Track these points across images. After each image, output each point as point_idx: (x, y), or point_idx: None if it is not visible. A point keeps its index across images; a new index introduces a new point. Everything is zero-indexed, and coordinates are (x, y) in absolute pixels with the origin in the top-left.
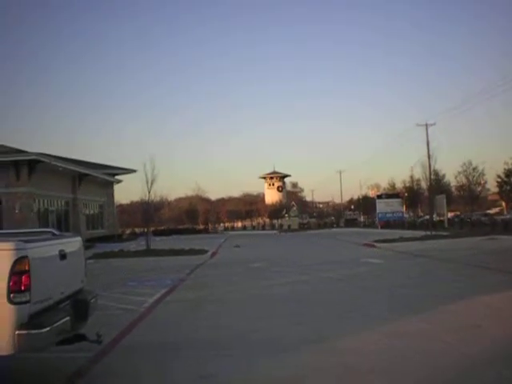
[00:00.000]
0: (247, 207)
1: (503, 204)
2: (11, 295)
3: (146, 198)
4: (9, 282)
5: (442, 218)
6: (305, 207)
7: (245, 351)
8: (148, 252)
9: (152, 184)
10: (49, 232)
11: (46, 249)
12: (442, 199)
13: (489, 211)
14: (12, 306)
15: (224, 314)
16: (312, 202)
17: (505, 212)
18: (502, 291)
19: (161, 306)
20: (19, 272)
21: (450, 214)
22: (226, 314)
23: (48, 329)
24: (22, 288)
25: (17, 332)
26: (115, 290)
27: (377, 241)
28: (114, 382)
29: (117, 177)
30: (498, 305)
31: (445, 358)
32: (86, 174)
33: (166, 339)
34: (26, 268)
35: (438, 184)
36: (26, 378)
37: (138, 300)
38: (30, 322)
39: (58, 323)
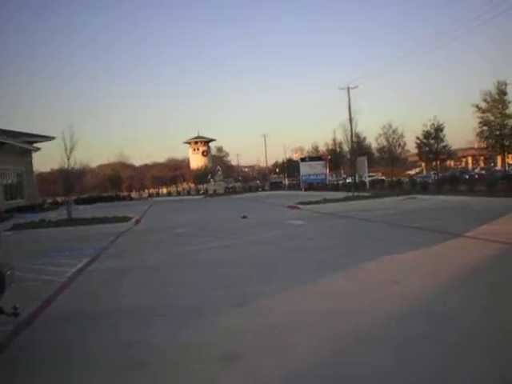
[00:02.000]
0: (172, 173)
1: (423, 165)
2: None
3: (66, 166)
4: None
5: (364, 179)
6: (230, 171)
7: (170, 317)
8: (70, 221)
9: (71, 151)
10: None
11: None
12: (363, 161)
13: (409, 172)
14: None
15: (148, 280)
16: (237, 167)
17: (424, 172)
18: (421, 248)
19: (83, 275)
20: None
21: (379, 175)
22: (150, 281)
23: None
24: None
25: None
26: (35, 261)
27: (301, 203)
28: (38, 353)
29: (35, 144)
30: (417, 262)
31: (365, 315)
32: (2, 143)
33: (90, 308)
34: None
35: (359, 146)
36: None
37: (59, 270)
38: None
39: None
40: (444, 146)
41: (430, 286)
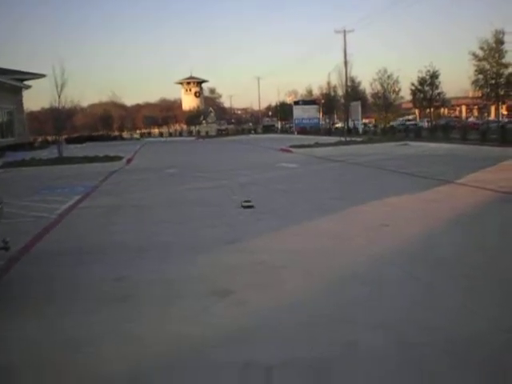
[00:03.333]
0: (164, 113)
1: (416, 112)
2: None
3: (57, 104)
4: None
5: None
6: (223, 113)
7: (160, 254)
8: (61, 160)
9: (62, 88)
10: None
11: None
12: (356, 106)
13: (401, 119)
14: None
15: (139, 218)
16: (230, 109)
17: (418, 119)
18: (412, 193)
19: (74, 212)
20: None
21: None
22: (141, 219)
23: None
24: None
25: None
26: (26, 198)
27: (293, 146)
28: (29, 287)
29: (26, 82)
30: (407, 206)
31: (355, 255)
32: None
33: (80, 244)
34: None
35: (353, 91)
36: None
37: (50, 207)
38: None
39: None
40: (439, 93)
41: (418, 228)
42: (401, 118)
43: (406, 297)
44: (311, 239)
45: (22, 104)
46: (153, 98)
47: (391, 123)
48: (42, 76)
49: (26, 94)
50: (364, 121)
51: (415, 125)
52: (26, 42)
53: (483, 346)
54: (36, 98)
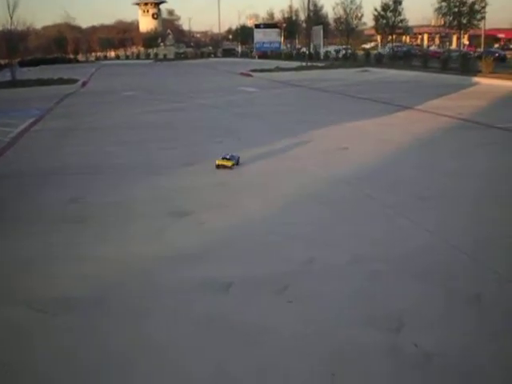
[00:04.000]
0: (120, 35)
1: (378, 39)
2: None
3: (9, 26)
4: None
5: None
6: (182, 36)
7: (116, 175)
8: (14, 83)
9: (14, 9)
10: None
11: None
12: (318, 30)
13: (364, 45)
14: None
15: (94, 140)
16: (189, 32)
17: (379, 47)
18: (371, 118)
19: (28, 135)
20: None
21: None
22: (96, 141)
23: None
24: None
25: None
26: None
27: (253, 70)
28: None
29: None
30: (366, 130)
31: (313, 177)
32: None
33: (35, 166)
34: None
35: (315, 15)
36: None
37: (2, 130)
38: None
39: None
40: (401, 20)
41: (376, 151)
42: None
43: (362, 215)
44: (271, 162)
45: None
46: (109, 19)
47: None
48: None
49: None
50: (327, 48)
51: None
52: None
53: (426, 256)
54: None
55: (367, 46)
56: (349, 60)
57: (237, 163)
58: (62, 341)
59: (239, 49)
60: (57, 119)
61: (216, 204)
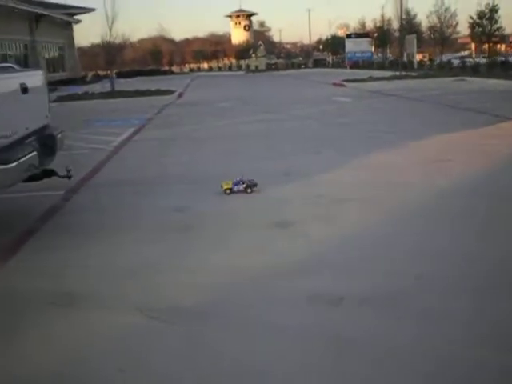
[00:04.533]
0: (213, 48)
1: (472, 47)
2: None
3: (108, 38)
4: None
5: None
6: (272, 47)
7: (215, 184)
8: (113, 94)
9: (113, 22)
10: (8, 67)
11: (5, 82)
12: (412, 39)
13: (457, 54)
14: None
15: (194, 150)
16: (279, 43)
17: (473, 55)
18: (472, 129)
19: (129, 144)
20: None
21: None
22: (197, 150)
23: (15, 164)
24: None
25: None
26: (82, 130)
27: (346, 80)
28: (90, 217)
29: (76, 17)
30: (468, 142)
31: (415, 189)
32: (44, 15)
33: (138, 176)
34: None
35: (408, 24)
36: None
37: (105, 139)
38: None
39: (26, 158)
40: (498, 28)
41: (481, 164)
42: (457, 54)
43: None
44: (371, 172)
45: (72, 39)
46: (202, 32)
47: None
48: (91, 10)
49: (75, 29)
50: (418, 56)
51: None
52: None
53: None
54: (85, 34)
55: (459, 54)
56: (443, 69)
57: (249, 188)
58: (181, 349)
59: (329, 59)
60: (156, 129)
61: (319, 215)
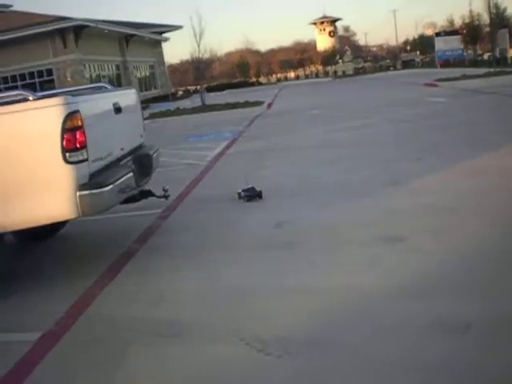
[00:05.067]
0: (299, 56)
1: None
2: (66, 154)
3: (196, 54)
4: (62, 141)
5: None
6: (358, 52)
7: (315, 196)
8: (204, 108)
9: (201, 37)
10: (101, 87)
11: (99, 102)
12: (504, 34)
13: None
14: (69, 166)
15: (290, 161)
16: (366, 46)
17: None
18: None
19: (224, 158)
20: (72, 128)
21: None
22: (292, 162)
23: (111, 187)
24: (78, 145)
25: (78, 193)
26: (175, 146)
27: (438, 80)
28: (187, 237)
29: (164, 35)
30: None
31: None
32: (133, 35)
33: (234, 190)
34: (79, 123)
35: (498, 18)
36: (96, 239)
37: (199, 154)
38: (91, 181)
39: (122, 180)
40: None
41: None
42: None
43: None
44: (482, 179)
45: (162, 56)
46: (286, 41)
47: None
48: (179, 27)
49: (164, 46)
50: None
51: None
52: None
53: None
54: (174, 51)
55: None
56: None
57: (259, 196)
58: None
59: (418, 59)
60: (249, 141)
61: (430, 228)
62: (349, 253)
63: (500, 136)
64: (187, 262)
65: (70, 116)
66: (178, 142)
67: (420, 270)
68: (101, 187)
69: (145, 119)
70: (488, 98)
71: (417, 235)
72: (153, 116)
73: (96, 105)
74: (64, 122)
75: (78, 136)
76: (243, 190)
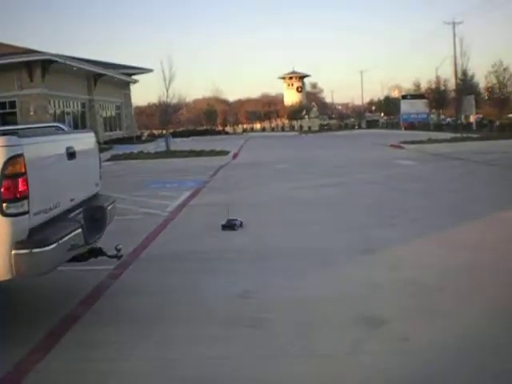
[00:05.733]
0: (266, 108)
1: None
2: (3, 205)
3: (164, 98)
4: None
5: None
6: (324, 108)
7: (284, 263)
8: (168, 153)
9: (170, 82)
10: (54, 127)
11: (48, 145)
12: (470, 100)
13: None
14: (5, 219)
15: (253, 221)
16: (332, 104)
17: None
18: None
19: (185, 210)
20: (12, 175)
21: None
22: (256, 222)
23: (54, 246)
24: (18, 195)
25: (14, 252)
26: (136, 192)
27: (404, 142)
28: (139, 302)
29: (133, 77)
30: None
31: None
32: (102, 74)
33: (195, 248)
34: (22, 169)
35: (466, 84)
36: (37, 296)
37: (160, 204)
38: (30, 238)
39: (68, 237)
40: None
41: None
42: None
43: None
44: (462, 253)
45: (130, 98)
46: (255, 93)
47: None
48: (149, 71)
49: (133, 88)
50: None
51: None
52: (132, 38)
53: None
54: (143, 93)
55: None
56: (505, 130)
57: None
58: None
59: (383, 120)
60: (213, 193)
61: (417, 310)
62: (325, 338)
63: (476, 205)
64: (138, 336)
65: (12, 160)
66: (139, 188)
67: (407, 366)
68: (41, 246)
69: (107, 161)
70: (457, 163)
71: (400, 319)
72: (115, 158)
73: (45, 148)
74: (4, 167)
75: (19, 184)
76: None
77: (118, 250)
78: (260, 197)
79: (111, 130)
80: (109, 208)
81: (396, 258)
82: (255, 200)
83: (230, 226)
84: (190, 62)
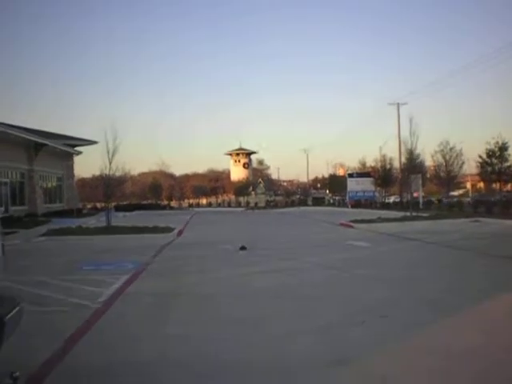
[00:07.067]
0: (212, 184)
1: (468, 186)
2: None
3: (107, 171)
4: None
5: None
6: (271, 185)
7: (236, 379)
8: (109, 229)
9: (113, 155)
10: None
11: None
12: (417, 179)
13: (453, 193)
14: None
15: (200, 316)
16: (278, 180)
17: (470, 194)
18: None
19: (119, 301)
20: None
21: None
22: (200, 319)
23: None
24: None
25: None
26: (67, 276)
27: (353, 221)
28: None
29: (77, 148)
30: None
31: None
32: (43, 144)
33: (125, 357)
34: None
35: (412, 163)
36: None
37: (92, 291)
38: None
39: None
40: (509, 166)
41: None
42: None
43: None
44: (452, 361)
45: (72, 169)
46: (201, 168)
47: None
48: (93, 142)
49: (76, 160)
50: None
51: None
52: (76, 108)
53: None
54: (87, 165)
55: (455, 193)
56: (453, 209)
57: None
58: None
59: (328, 197)
60: (154, 278)
61: None
62: None
63: (448, 296)
64: None
65: None
66: (70, 271)
67: None
68: None
69: (41, 235)
70: (413, 244)
71: None
72: (50, 233)
73: None
74: None
75: None
76: None
77: (15, 379)
78: (205, 286)
79: (51, 202)
80: (9, 317)
81: (373, 369)
82: (199, 290)
83: None
84: (137, 134)
